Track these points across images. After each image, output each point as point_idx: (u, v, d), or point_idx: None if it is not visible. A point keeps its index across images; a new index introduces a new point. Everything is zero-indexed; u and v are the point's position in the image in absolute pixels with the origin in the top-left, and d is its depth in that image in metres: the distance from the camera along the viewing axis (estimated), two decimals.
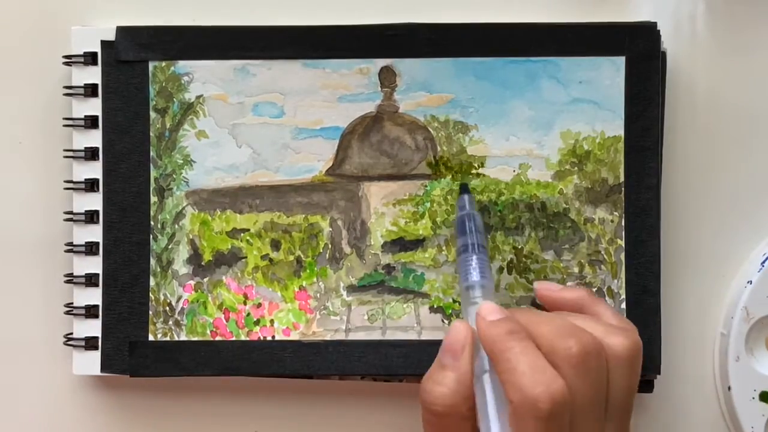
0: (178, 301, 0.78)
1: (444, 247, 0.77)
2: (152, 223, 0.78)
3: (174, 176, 0.78)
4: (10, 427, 0.81)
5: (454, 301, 0.77)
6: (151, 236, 0.77)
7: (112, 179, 0.78)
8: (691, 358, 0.79)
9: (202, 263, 0.78)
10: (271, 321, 0.78)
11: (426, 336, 0.77)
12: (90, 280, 0.78)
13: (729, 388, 0.78)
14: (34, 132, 0.80)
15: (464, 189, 0.75)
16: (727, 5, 0.78)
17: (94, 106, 0.78)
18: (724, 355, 0.78)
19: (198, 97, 0.77)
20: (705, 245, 0.79)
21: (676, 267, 0.79)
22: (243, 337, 0.77)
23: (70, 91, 0.78)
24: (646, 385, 0.78)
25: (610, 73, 0.76)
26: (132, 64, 0.77)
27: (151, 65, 0.77)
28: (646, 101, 0.76)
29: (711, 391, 0.80)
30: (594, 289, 0.76)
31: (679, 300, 0.79)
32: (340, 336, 0.77)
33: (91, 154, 0.78)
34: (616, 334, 0.68)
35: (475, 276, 0.71)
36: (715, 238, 0.79)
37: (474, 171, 0.77)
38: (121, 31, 0.77)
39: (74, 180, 0.78)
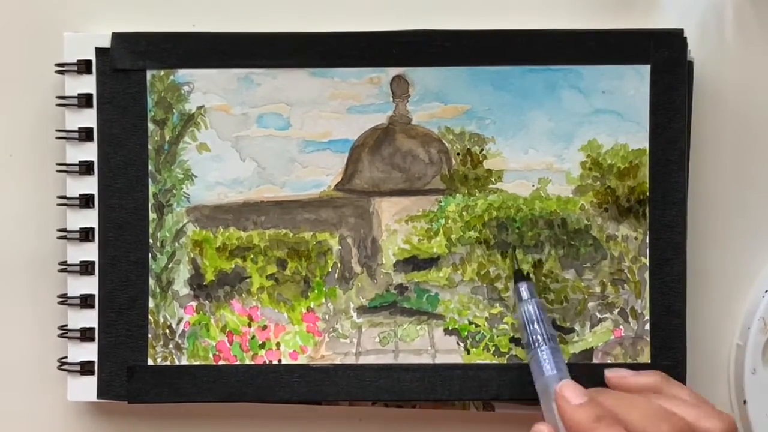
0: (178, 323, 0.77)
1: (459, 266, 0.76)
2: (151, 241, 0.77)
3: (174, 191, 0.76)
4: None
5: (470, 323, 0.76)
6: (149, 255, 0.77)
7: (108, 195, 0.76)
8: (708, 370, 0.79)
9: (204, 283, 0.77)
10: (278, 344, 0.77)
11: (440, 359, 0.76)
12: (85, 302, 0.77)
13: (744, 402, 0.77)
14: (25, 145, 0.79)
15: (519, 277, 0.74)
16: (756, 11, 0.78)
17: (88, 118, 0.77)
18: (740, 367, 0.78)
19: (199, 108, 0.76)
20: (726, 257, 0.79)
21: (696, 280, 0.78)
22: (248, 361, 0.76)
23: (63, 101, 0.77)
24: None
25: (634, 83, 0.75)
26: (128, 73, 0.76)
27: (148, 74, 0.76)
28: (672, 112, 0.75)
29: (725, 404, 0.79)
30: (616, 310, 0.76)
31: (695, 309, 0.78)
32: (350, 360, 0.76)
33: (85, 168, 0.77)
34: (709, 417, 0.66)
35: (549, 370, 0.70)
36: (737, 249, 0.79)
37: (491, 185, 0.76)
38: (117, 37, 0.76)
39: (68, 195, 0.77)
